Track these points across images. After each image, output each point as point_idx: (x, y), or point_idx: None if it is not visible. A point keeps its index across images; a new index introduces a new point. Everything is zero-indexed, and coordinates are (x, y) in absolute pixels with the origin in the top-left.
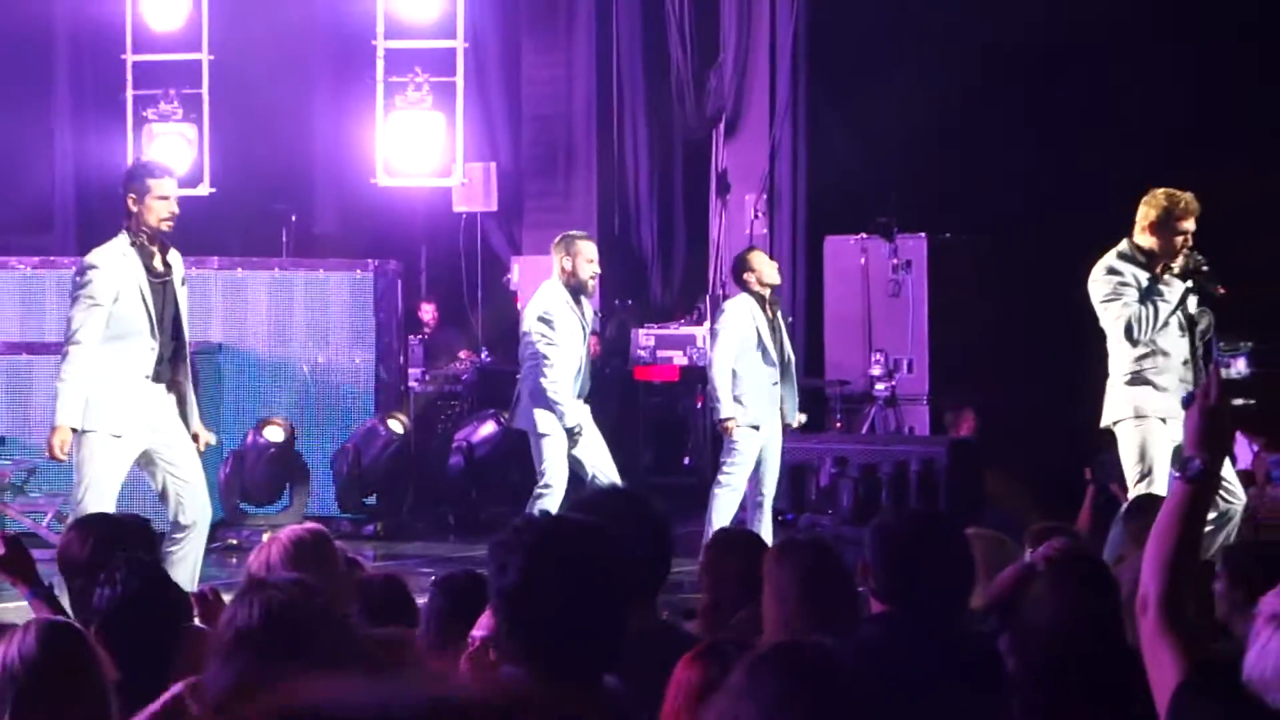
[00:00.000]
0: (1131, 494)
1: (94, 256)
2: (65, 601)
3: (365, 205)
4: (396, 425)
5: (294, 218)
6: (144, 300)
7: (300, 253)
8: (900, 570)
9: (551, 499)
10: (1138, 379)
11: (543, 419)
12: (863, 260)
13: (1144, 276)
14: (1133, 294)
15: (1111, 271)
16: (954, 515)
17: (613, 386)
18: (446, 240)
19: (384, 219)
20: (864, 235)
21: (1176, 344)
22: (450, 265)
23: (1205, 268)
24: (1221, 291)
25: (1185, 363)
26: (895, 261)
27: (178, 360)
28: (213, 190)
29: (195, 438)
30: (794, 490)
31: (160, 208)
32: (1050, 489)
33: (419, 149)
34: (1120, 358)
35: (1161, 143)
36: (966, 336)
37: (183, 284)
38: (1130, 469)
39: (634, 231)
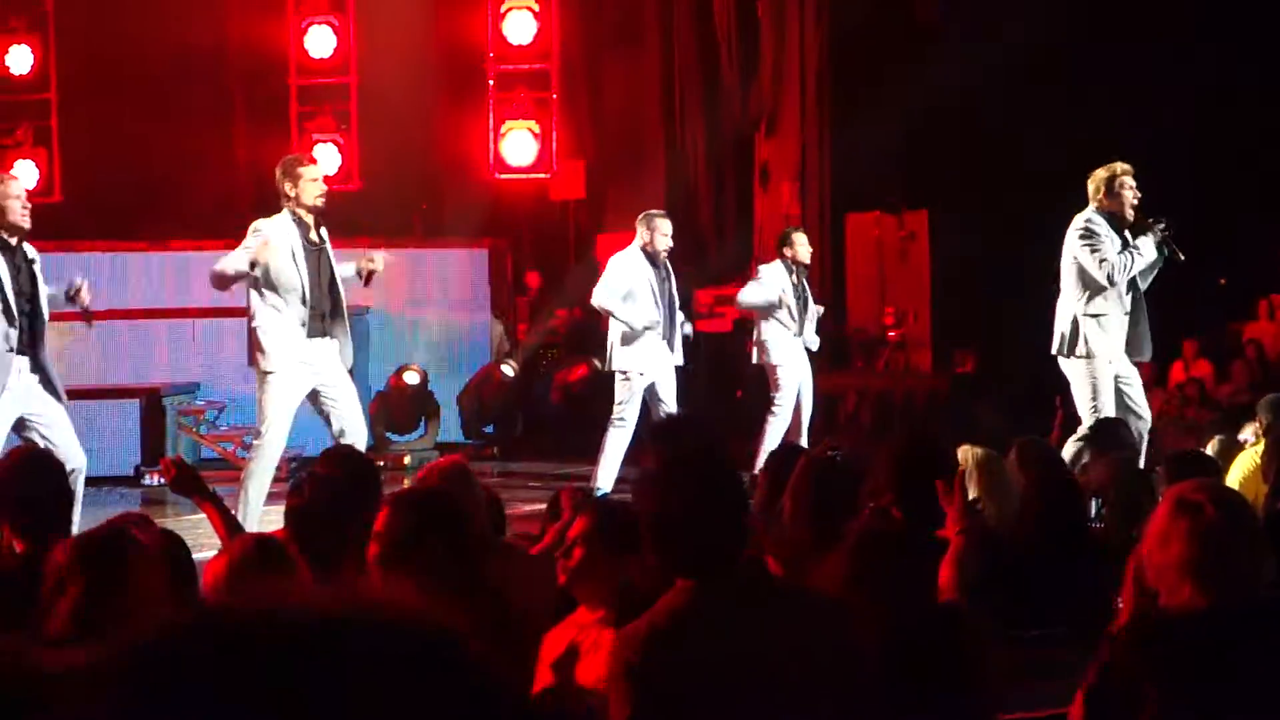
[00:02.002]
0: (1086, 421)
1: (259, 221)
2: None
3: (481, 195)
4: (508, 369)
5: (425, 206)
6: (296, 263)
7: (429, 234)
8: (904, 480)
9: (624, 430)
10: (1089, 320)
11: (621, 360)
12: (876, 232)
13: (1114, 235)
14: (1109, 245)
15: (1090, 228)
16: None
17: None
18: (546, 222)
19: (496, 206)
20: (878, 212)
21: (1123, 296)
22: (549, 242)
23: (1169, 231)
24: (1182, 258)
25: (1126, 313)
26: (903, 233)
27: (336, 315)
28: (360, 186)
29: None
30: (826, 415)
31: (312, 188)
32: (1031, 413)
33: (523, 149)
34: (1075, 299)
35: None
36: (962, 293)
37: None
38: (1084, 403)
39: (694, 212)
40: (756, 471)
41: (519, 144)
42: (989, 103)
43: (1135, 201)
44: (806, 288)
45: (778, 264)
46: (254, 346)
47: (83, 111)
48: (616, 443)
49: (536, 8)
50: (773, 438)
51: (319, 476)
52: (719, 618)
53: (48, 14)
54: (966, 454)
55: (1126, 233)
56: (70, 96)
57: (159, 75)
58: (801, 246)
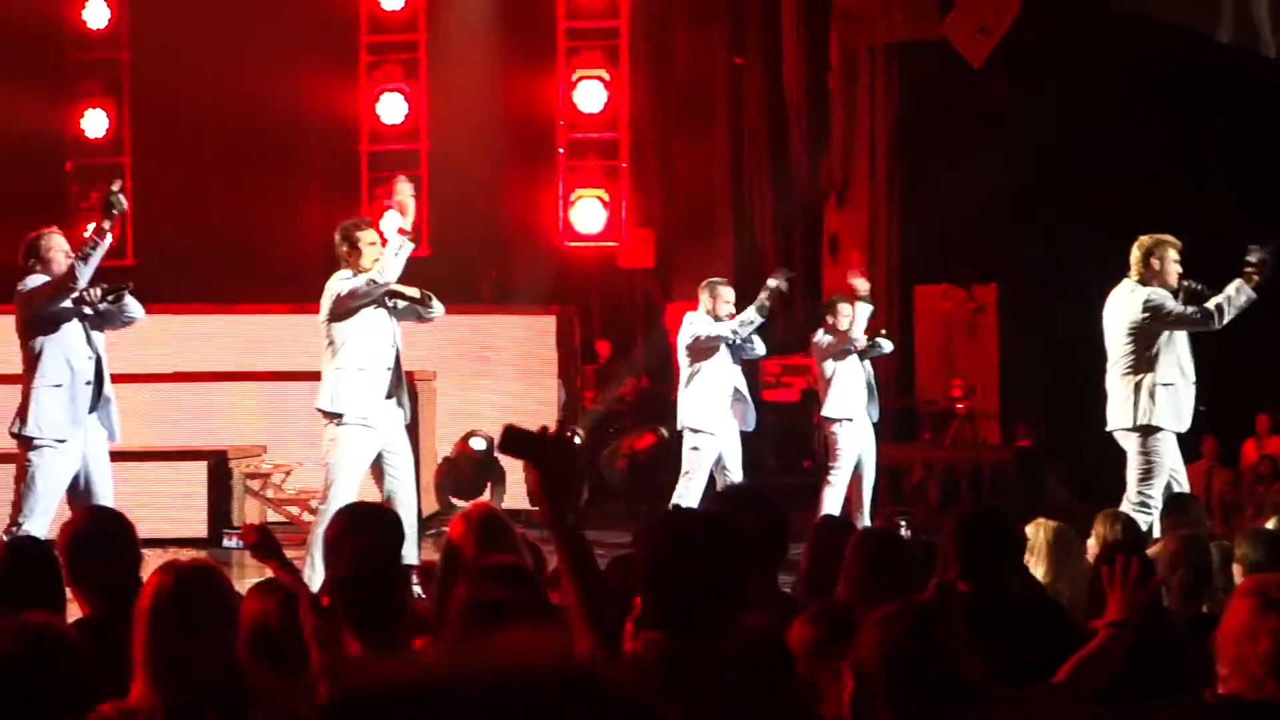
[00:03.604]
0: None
1: (345, 272)
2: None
3: (549, 262)
4: (575, 436)
5: (493, 272)
6: (375, 320)
7: (498, 300)
8: (968, 552)
9: (693, 491)
10: (1160, 389)
11: (694, 418)
12: (945, 305)
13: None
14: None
15: (1152, 296)
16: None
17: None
18: (614, 290)
19: (564, 273)
20: (946, 285)
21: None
22: (617, 310)
23: (1203, 288)
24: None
25: (1192, 381)
26: (971, 305)
27: (400, 379)
28: (430, 252)
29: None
30: (891, 487)
31: (370, 252)
32: (1097, 486)
33: (592, 217)
34: (1133, 368)
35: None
36: (1030, 366)
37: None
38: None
39: (762, 281)
40: None
41: (588, 212)
42: (1058, 174)
43: (1178, 277)
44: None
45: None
46: (335, 392)
47: (156, 175)
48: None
49: (607, 77)
50: (829, 506)
51: (359, 542)
52: (674, 669)
53: (123, 78)
54: (1039, 528)
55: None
56: (144, 160)
57: (232, 139)
58: (844, 317)
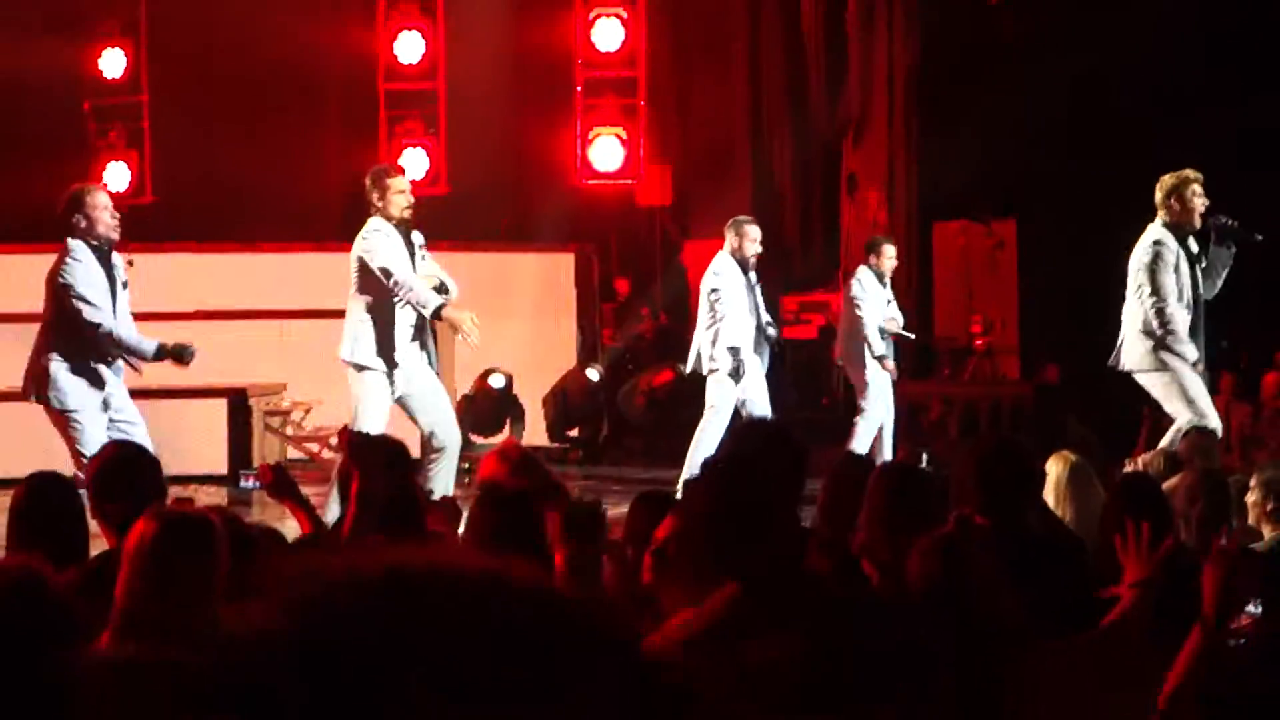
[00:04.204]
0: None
1: (376, 221)
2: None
3: (567, 200)
4: (594, 373)
5: (512, 210)
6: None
7: (516, 239)
8: (988, 486)
9: (715, 428)
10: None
11: (713, 361)
12: (963, 241)
13: (1181, 252)
14: (1171, 277)
15: (1159, 251)
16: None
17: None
18: (633, 228)
19: (583, 211)
20: (965, 221)
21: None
22: (636, 248)
23: (1228, 223)
24: (1259, 237)
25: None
26: (990, 241)
27: (426, 323)
28: (448, 190)
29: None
30: (911, 423)
31: (400, 199)
32: (1117, 423)
33: (610, 155)
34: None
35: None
36: (1049, 301)
37: (424, 259)
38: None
39: (780, 220)
40: None
41: (606, 150)
42: (1077, 111)
43: (1203, 209)
44: (892, 296)
45: (867, 272)
46: (356, 342)
47: (174, 114)
48: (708, 439)
49: (625, 15)
50: (860, 443)
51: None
52: (762, 623)
53: (140, 18)
54: (1057, 462)
55: (1192, 242)
56: (162, 99)
57: (250, 79)
58: (888, 259)
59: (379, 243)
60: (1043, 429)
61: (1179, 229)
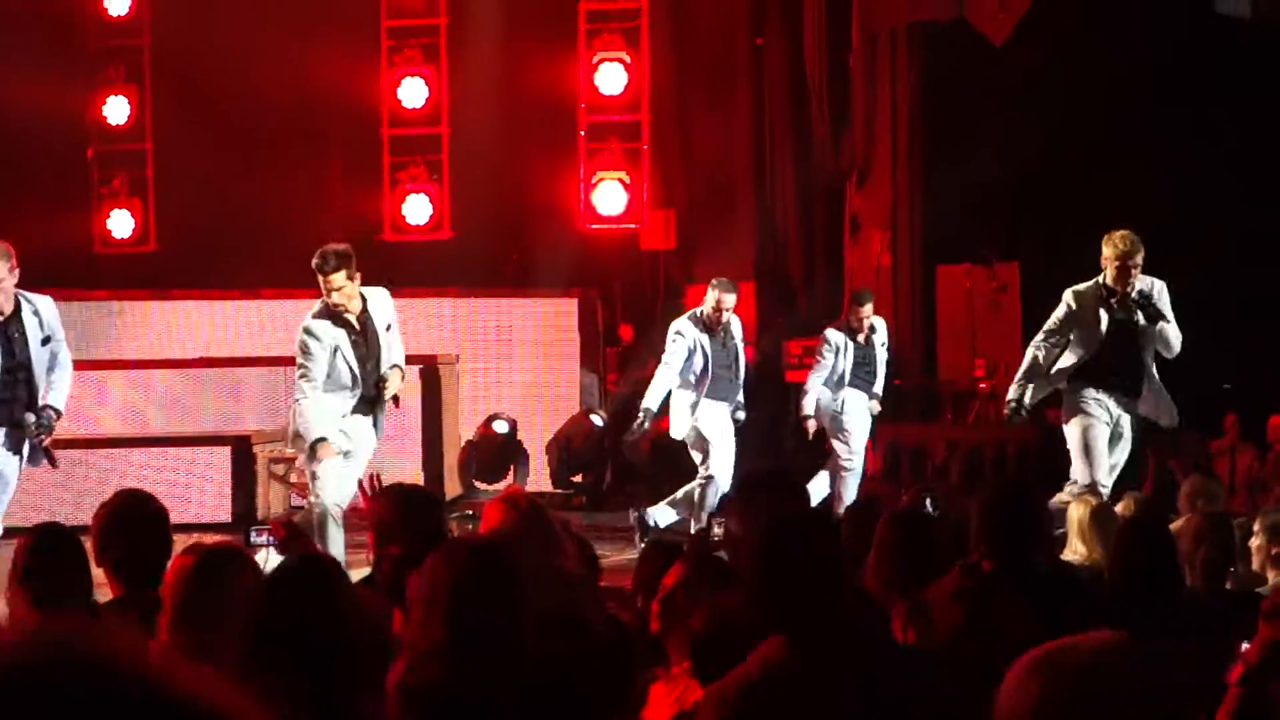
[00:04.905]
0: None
1: (308, 323)
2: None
3: (571, 244)
4: (597, 419)
5: (515, 255)
6: (344, 356)
7: (520, 283)
8: (994, 530)
9: (722, 463)
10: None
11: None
12: (967, 284)
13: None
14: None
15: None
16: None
17: (768, 387)
18: (636, 272)
19: (586, 256)
20: (969, 264)
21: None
22: (639, 292)
23: (1139, 302)
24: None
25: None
26: (994, 284)
27: (375, 398)
28: (451, 235)
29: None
30: (914, 467)
31: (335, 296)
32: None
33: (613, 199)
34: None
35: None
36: None
37: (388, 329)
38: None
39: (784, 262)
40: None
41: (610, 194)
42: (1080, 154)
43: (1133, 279)
44: (876, 349)
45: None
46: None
47: (178, 162)
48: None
49: (628, 59)
50: (849, 494)
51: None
52: (816, 675)
53: (144, 65)
54: (1081, 507)
55: (1113, 303)
56: (165, 146)
57: (254, 126)
58: (865, 318)
59: (306, 352)
60: (1048, 471)
61: (1108, 289)
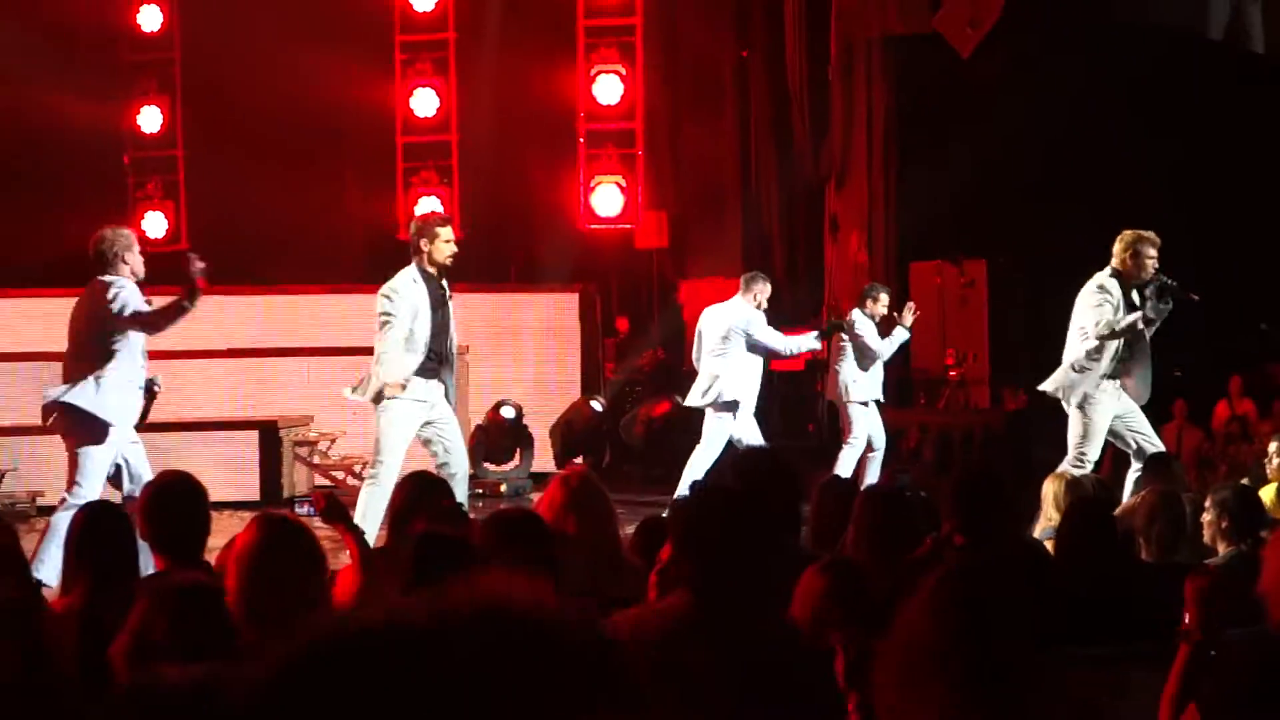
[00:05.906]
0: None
1: (393, 284)
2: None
3: (572, 243)
4: (597, 404)
5: (520, 254)
6: (421, 319)
7: (525, 280)
8: (966, 509)
9: (705, 458)
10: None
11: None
12: (938, 280)
13: (1123, 298)
14: (1109, 310)
15: (1104, 286)
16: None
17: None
18: (632, 269)
19: (586, 254)
20: (940, 261)
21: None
22: (635, 287)
23: (1171, 282)
24: (1195, 298)
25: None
26: (963, 280)
27: (447, 361)
28: (461, 235)
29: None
30: (890, 449)
31: (446, 248)
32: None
33: (610, 201)
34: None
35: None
36: (1017, 336)
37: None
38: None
39: (768, 260)
40: None
41: (607, 197)
42: (1044, 157)
43: (1153, 271)
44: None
45: (861, 315)
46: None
47: (207, 167)
48: (696, 468)
49: (624, 72)
50: (845, 466)
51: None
52: (704, 623)
53: (175, 77)
54: (1056, 480)
55: (1134, 293)
56: (196, 153)
57: (277, 133)
58: (881, 305)
59: (388, 303)
60: (1013, 453)
61: (1124, 279)
